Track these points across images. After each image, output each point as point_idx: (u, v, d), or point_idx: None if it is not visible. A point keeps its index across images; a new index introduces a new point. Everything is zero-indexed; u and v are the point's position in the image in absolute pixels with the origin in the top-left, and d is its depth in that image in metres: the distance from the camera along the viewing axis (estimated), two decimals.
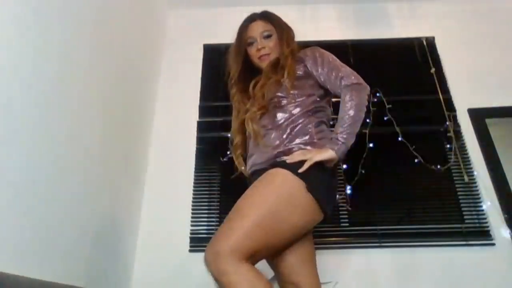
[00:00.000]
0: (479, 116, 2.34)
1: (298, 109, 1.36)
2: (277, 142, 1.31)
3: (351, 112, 1.28)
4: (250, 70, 1.50)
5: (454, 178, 2.20)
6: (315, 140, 1.29)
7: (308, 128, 1.32)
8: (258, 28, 1.47)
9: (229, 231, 1.06)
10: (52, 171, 1.29)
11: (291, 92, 1.37)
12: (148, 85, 2.41)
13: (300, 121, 1.34)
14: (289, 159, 1.23)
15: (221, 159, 2.27)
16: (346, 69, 1.37)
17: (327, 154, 1.22)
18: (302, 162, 1.19)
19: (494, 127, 2.30)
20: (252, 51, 1.47)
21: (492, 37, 2.64)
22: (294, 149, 1.27)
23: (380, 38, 2.67)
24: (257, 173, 1.29)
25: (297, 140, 1.30)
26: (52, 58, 1.31)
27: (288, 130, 1.33)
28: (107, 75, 1.78)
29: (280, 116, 1.36)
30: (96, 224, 1.62)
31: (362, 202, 2.14)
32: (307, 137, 1.31)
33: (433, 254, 1.98)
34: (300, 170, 1.17)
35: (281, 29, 1.49)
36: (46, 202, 1.25)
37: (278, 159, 1.27)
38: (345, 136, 1.24)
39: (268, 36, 1.46)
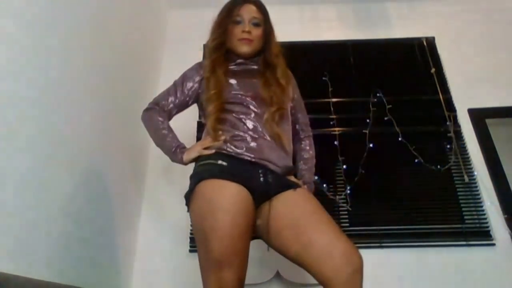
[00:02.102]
0: (479, 116, 2.34)
1: (290, 126, 1.42)
2: (288, 152, 1.35)
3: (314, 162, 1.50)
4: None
5: (454, 178, 2.20)
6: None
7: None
8: (250, 12, 1.41)
9: None
10: (52, 170, 1.29)
11: (289, 104, 1.43)
12: (148, 85, 2.41)
13: (291, 140, 1.40)
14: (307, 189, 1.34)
15: None
16: None
17: None
18: None
19: (494, 127, 2.30)
20: (235, 30, 1.40)
21: (492, 37, 2.64)
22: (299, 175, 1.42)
23: (380, 38, 2.67)
24: (276, 176, 1.25)
25: (290, 161, 1.36)
26: (52, 58, 1.31)
27: (290, 145, 1.37)
28: (107, 75, 1.78)
29: (286, 125, 1.38)
30: (96, 224, 1.62)
31: (362, 202, 2.13)
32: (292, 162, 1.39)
33: (433, 254, 1.98)
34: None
35: (270, 25, 1.45)
36: (46, 202, 1.25)
37: (291, 179, 1.32)
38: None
39: (257, 25, 1.41)
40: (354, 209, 2.11)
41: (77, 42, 1.49)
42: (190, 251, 2.05)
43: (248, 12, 1.41)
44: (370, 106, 2.38)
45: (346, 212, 2.12)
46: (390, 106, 2.35)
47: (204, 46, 1.50)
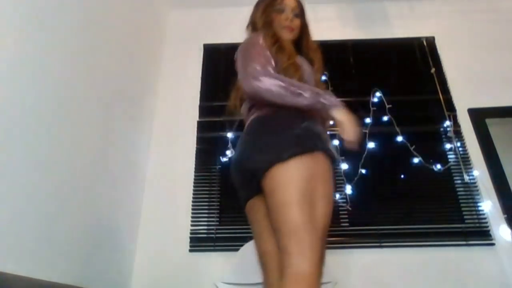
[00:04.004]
0: (479, 116, 2.34)
1: None
2: None
3: None
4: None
5: (454, 178, 2.20)
6: None
7: None
8: (291, 3, 1.46)
9: None
10: (52, 171, 1.29)
11: None
12: (148, 85, 2.41)
13: None
14: None
15: (221, 159, 2.27)
16: None
17: None
18: None
19: (494, 127, 2.30)
20: (279, 17, 1.44)
21: (492, 37, 2.64)
22: None
23: (380, 38, 2.68)
24: None
25: None
26: (53, 59, 1.31)
27: None
28: (107, 75, 1.78)
29: None
30: (96, 224, 1.62)
31: (362, 202, 2.14)
32: None
33: (433, 254, 1.98)
34: None
35: (306, 19, 1.51)
36: (46, 202, 1.25)
37: None
38: None
39: (297, 16, 1.46)
40: (354, 209, 2.11)
41: (77, 42, 1.49)
42: (190, 251, 2.06)
43: (290, 3, 1.46)
44: (370, 106, 2.38)
45: (346, 212, 2.12)
46: (390, 106, 2.35)
47: (253, 21, 1.48)
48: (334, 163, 1.21)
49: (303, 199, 1.05)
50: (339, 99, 1.19)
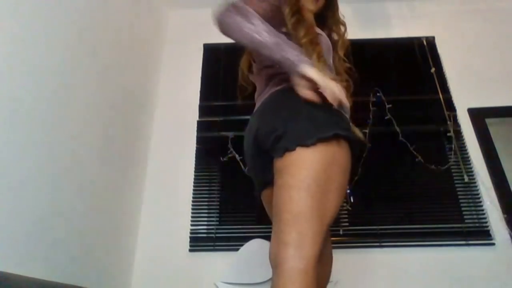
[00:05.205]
0: (479, 116, 2.34)
1: None
2: None
3: None
4: None
5: (454, 178, 2.20)
6: None
7: None
8: None
9: None
10: (53, 171, 1.29)
11: None
12: (148, 85, 2.41)
13: None
14: None
15: (221, 158, 2.27)
16: None
17: None
18: None
19: (494, 127, 2.30)
20: None
21: (492, 37, 2.64)
22: None
23: (380, 38, 2.67)
24: None
25: None
26: (52, 59, 1.31)
27: None
28: (107, 75, 1.78)
29: None
30: (96, 224, 1.62)
31: (362, 202, 2.14)
32: None
33: (433, 254, 1.98)
34: None
35: None
36: (47, 202, 1.25)
37: None
38: None
39: None
40: (354, 209, 2.11)
41: (77, 42, 1.49)
42: (190, 250, 2.06)
43: None
44: (370, 105, 2.38)
45: (346, 212, 2.12)
46: (390, 105, 2.35)
47: None
48: (354, 154, 1.09)
49: (316, 186, 0.93)
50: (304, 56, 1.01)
